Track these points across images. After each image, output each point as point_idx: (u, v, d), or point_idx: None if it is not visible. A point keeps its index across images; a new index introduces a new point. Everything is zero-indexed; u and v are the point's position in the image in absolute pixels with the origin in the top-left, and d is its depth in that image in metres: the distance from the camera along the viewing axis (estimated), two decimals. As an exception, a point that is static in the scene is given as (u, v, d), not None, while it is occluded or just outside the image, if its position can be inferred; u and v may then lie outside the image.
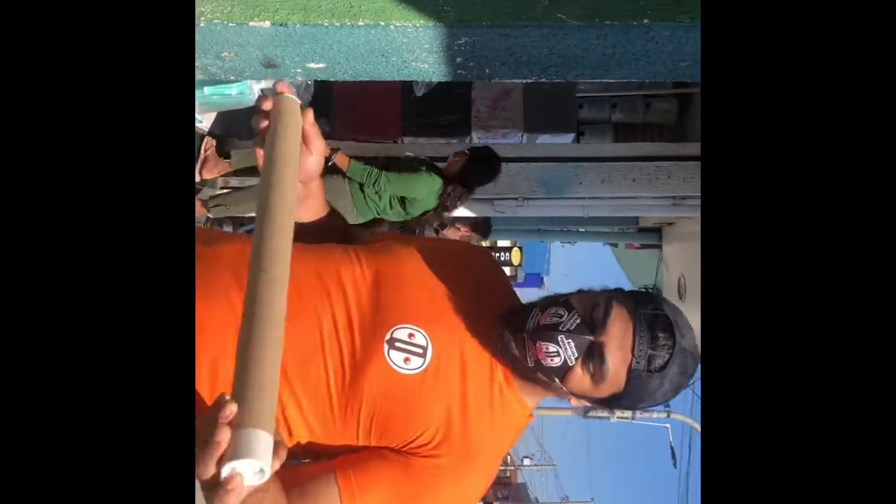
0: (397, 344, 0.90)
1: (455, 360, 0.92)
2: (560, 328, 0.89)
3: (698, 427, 10.55)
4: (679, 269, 4.55)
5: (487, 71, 1.12)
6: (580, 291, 0.96)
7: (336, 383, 0.88)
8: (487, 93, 3.49)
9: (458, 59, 1.07)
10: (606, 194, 2.79)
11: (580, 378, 0.88)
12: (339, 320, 0.90)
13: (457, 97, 3.48)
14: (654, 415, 10.73)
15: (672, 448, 12.22)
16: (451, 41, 0.99)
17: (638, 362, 0.87)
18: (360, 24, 0.95)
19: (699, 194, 2.73)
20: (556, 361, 0.89)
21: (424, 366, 0.90)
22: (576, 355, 0.88)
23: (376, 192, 2.50)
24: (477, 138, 3.46)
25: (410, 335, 0.91)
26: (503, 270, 1.13)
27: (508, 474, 17.95)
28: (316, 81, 2.83)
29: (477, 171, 2.55)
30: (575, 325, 0.89)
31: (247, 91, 1.65)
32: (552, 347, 0.88)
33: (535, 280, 11.60)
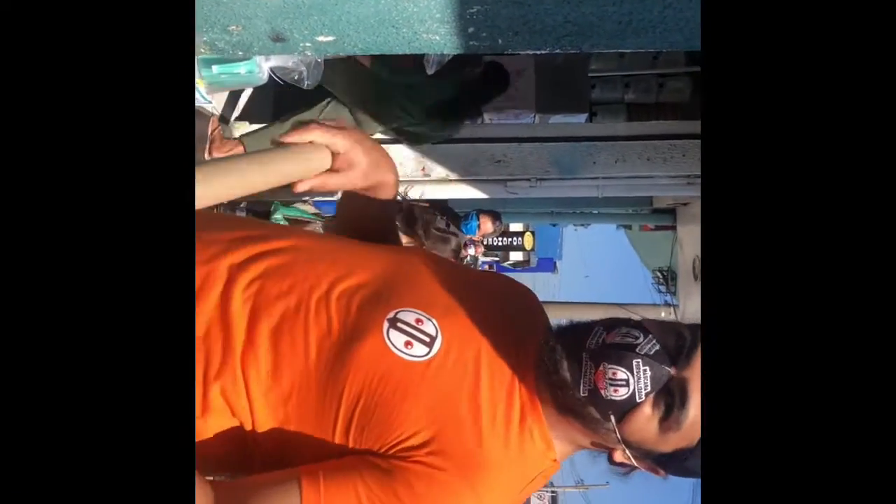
0: (400, 325, 0.75)
1: (468, 363, 0.77)
2: (637, 350, 0.72)
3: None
4: (694, 250, 4.51)
5: (500, 42, 1.09)
6: (649, 320, 0.79)
7: (318, 356, 0.73)
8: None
9: (470, 30, 1.04)
10: (621, 174, 2.75)
11: (646, 421, 0.71)
12: (336, 288, 0.78)
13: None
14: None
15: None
16: (463, 10, 0.97)
17: None
18: (370, -8, 0.93)
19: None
20: (622, 393, 0.71)
21: (429, 356, 0.75)
22: (648, 389, 0.71)
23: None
24: (489, 119, 3.43)
25: (418, 320, 0.77)
26: (545, 312, 0.95)
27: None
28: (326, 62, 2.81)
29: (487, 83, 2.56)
30: (654, 350, 0.72)
31: (256, 70, 1.64)
32: (621, 374, 0.71)
33: (549, 265, 11.51)
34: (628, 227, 6.22)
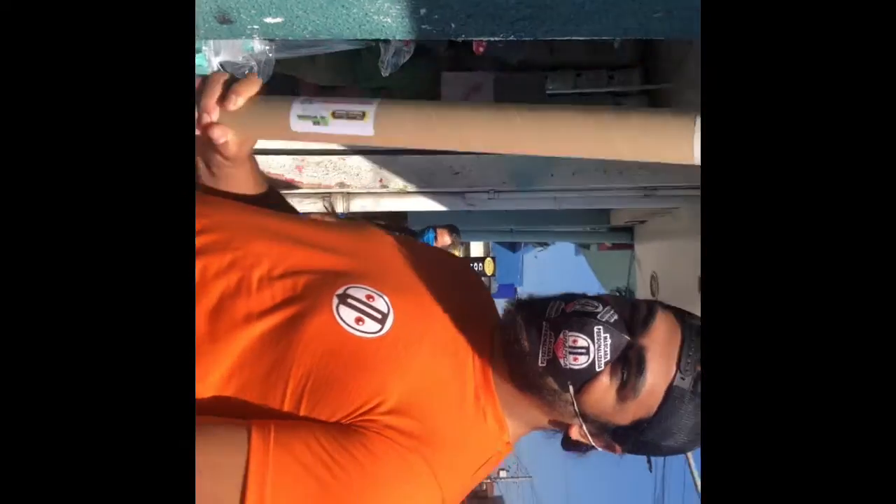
0: (350, 301, 0.73)
1: (422, 341, 0.75)
2: (598, 317, 0.72)
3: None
4: (651, 267, 4.55)
5: (454, 26, 1.07)
6: (606, 294, 0.79)
7: (262, 337, 0.70)
8: (458, 88, 3.46)
9: (423, 11, 1.02)
10: (578, 186, 2.76)
11: (604, 390, 0.71)
12: (279, 265, 0.74)
13: (426, 93, 3.44)
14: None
15: (647, 453, 12.24)
16: (415, -13, 0.95)
17: (683, 378, 0.69)
18: (318, -34, 0.90)
19: (670, 185, 2.72)
20: (582, 362, 0.70)
21: (382, 332, 0.72)
22: (608, 357, 0.70)
23: None
24: (447, 133, 3.43)
25: (369, 297, 0.74)
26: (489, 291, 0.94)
27: (485, 487, 17.86)
28: (278, 76, 2.77)
29: None
30: (613, 319, 0.72)
31: (205, 64, 1.60)
32: (582, 341, 0.70)
33: (509, 291, 11.56)
34: (586, 248, 6.26)
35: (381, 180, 2.78)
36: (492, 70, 3.58)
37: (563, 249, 7.35)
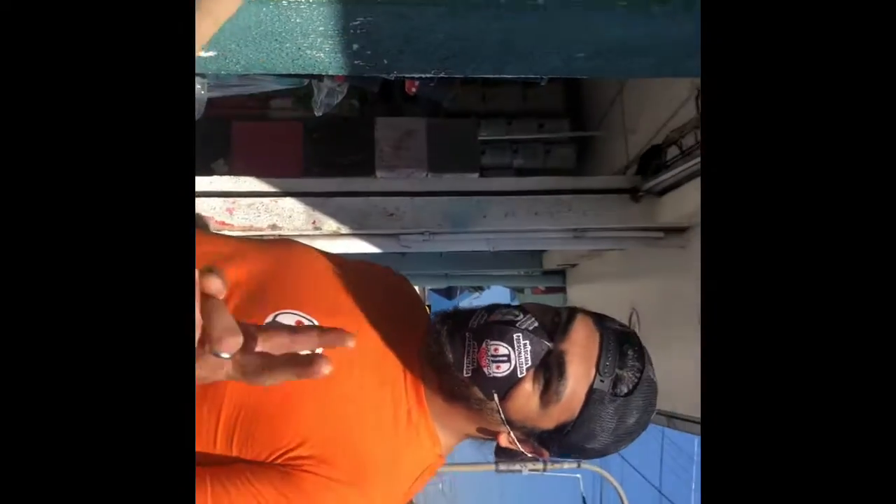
0: None
1: (353, 365, 0.75)
2: (517, 325, 0.74)
3: (610, 477, 10.65)
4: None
5: (385, 62, 1.10)
6: (528, 303, 0.82)
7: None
8: (391, 132, 3.50)
9: (355, 46, 1.04)
10: (510, 228, 2.81)
11: (527, 396, 0.73)
12: None
13: (360, 137, 3.47)
14: (565, 465, 10.75)
15: (584, 499, 12.27)
16: (347, 22, 0.97)
17: (602, 380, 0.72)
18: (251, -2, 0.91)
19: (600, 226, 2.79)
20: (504, 370, 0.72)
21: None
22: (529, 363, 0.73)
23: None
24: (381, 176, 3.45)
25: (298, 323, 0.74)
26: (422, 301, 0.98)
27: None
28: (210, 118, 2.76)
29: None
30: (533, 326, 0.75)
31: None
32: (503, 349, 0.72)
33: (444, 336, 11.56)
34: (520, 292, 6.33)
35: (314, 222, 2.77)
36: (424, 116, 3.64)
37: (499, 294, 7.41)
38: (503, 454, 0.79)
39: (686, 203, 2.49)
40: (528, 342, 0.73)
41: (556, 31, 1.01)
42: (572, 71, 1.14)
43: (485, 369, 0.73)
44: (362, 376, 0.75)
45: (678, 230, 2.81)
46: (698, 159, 2.31)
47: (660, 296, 3.16)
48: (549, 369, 0.73)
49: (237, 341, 0.49)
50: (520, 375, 0.73)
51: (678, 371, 1.92)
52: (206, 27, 0.78)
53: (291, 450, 0.68)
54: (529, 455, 0.78)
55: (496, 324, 0.75)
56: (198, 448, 0.68)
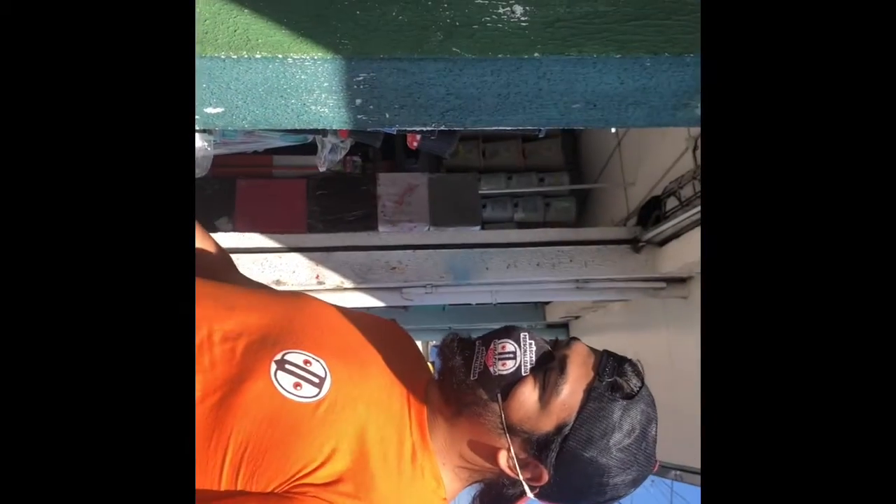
0: (288, 366, 0.74)
1: (358, 403, 0.76)
2: (524, 328, 0.80)
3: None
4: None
5: (388, 115, 1.13)
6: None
7: (202, 402, 0.69)
8: (393, 188, 3.55)
9: (358, 101, 1.08)
10: (513, 279, 2.82)
11: (528, 394, 0.75)
12: (217, 332, 0.76)
13: (362, 193, 3.52)
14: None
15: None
16: (350, 77, 1.01)
17: (601, 381, 0.75)
18: (258, 56, 0.95)
19: (601, 277, 2.80)
20: (509, 367, 0.76)
21: (319, 396, 0.73)
22: (532, 363, 0.77)
23: None
24: (383, 231, 3.49)
25: (307, 362, 0.76)
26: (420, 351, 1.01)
27: None
28: (214, 176, 2.81)
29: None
30: (536, 336, 0.81)
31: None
32: (510, 346, 0.77)
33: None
34: (524, 345, 6.31)
35: (317, 276, 2.79)
36: (426, 172, 3.70)
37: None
38: (503, 500, 0.80)
39: (687, 253, 2.51)
40: (533, 342, 0.78)
41: (552, 84, 1.04)
42: (569, 122, 1.17)
43: (491, 368, 0.77)
44: (367, 411, 0.76)
45: (680, 280, 2.82)
46: (698, 209, 2.33)
47: (664, 348, 3.15)
48: (551, 368, 0.77)
49: None
50: (523, 374, 0.76)
51: (686, 423, 1.91)
52: None
53: (297, 476, 0.68)
54: (527, 485, 0.77)
55: (503, 328, 0.81)
56: (202, 485, 0.68)
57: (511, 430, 0.76)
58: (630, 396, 0.75)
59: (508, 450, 0.76)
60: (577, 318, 4.70)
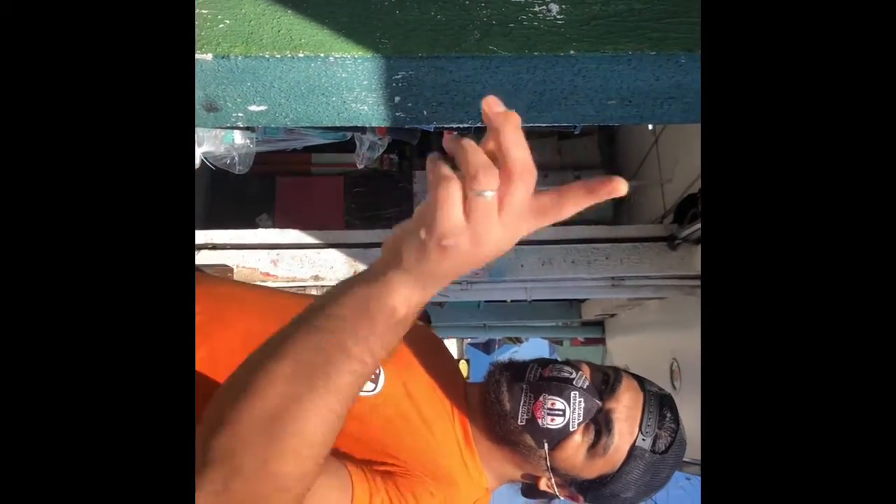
0: None
1: (411, 396, 0.80)
2: (573, 383, 0.79)
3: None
4: (622, 361, 4.58)
5: (426, 113, 1.16)
6: (577, 360, 0.87)
7: None
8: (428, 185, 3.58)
9: (397, 99, 1.11)
10: (547, 276, 2.83)
11: (576, 448, 0.78)
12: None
13: (399, 190, 3.56)
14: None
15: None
16: (389, 76, 1.03)
17: (644, 439, 0.78)
18: (301, 55, 0.98)
19: (637, 274, 2.79)
20: (558, 423, 0.78)
21: (376, 391, 0.78)
22: (581, 419, 0.78)
23: None
24: (419, 229, 3.52)
25: None
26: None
27: None
28: (255, 174, 2.87)
29: None
30: (586, 385, 0.80)
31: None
32: (559, 404, 0.78)
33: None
34: (559, 344, 6.29)
35: (355, 272, 2.83)
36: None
37: (537, 346, 7.36)
38: (537, 494, 0.83)
39: (724, 250, 2.49)
40: (582, 400, 0.78)
41: (587, 80, 1.06)
42: (604, 118, 1.18)
43: (539, 420, 0.78)
44: (419, 406, 0.80)
45: (717, 278, 2.80)
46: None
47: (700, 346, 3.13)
48: (599, 425, 0.78)
49: (494, 175, 0.46)
50: (571, 429, 0.78)
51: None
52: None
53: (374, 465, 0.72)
54: (564, 498, 0.82)
55: (554, 380, 0.80)
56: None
57: (554, 470, 0.80)
58: (666, 451, 0.79)
59: (550, 479, 0.81)
60: (612, 315, 4.68)
